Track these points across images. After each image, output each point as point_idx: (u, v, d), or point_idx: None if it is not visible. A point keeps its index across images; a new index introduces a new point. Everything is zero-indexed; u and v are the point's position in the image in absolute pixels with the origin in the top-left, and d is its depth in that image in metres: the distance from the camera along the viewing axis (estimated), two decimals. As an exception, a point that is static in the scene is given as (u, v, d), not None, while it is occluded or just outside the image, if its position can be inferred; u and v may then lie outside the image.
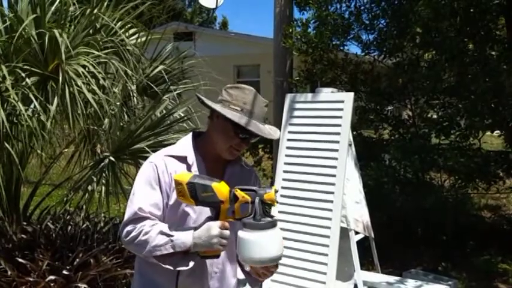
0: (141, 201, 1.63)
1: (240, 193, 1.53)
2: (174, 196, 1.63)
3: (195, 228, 1.55)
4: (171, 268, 1.56)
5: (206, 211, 1.61)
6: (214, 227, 1.51)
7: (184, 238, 1.54)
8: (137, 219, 1.61)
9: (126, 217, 1.63)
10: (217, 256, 1.58)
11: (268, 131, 1.69)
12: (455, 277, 4.62)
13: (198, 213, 1.64)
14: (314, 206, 3.34)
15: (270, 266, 1.55)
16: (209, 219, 1.55)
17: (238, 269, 1.82)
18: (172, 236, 1.55)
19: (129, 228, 1.61)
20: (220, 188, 1.52)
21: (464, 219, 5.66)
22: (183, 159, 1.67)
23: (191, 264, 1.56)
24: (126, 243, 1.63)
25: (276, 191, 1.54)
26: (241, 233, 1.48)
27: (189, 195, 1.53)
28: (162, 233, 1.57)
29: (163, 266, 1.55)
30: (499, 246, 5.28)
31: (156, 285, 1.68)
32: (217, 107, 1.66)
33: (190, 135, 1.77)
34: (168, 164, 1.66)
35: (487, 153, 5.32)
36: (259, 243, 1.45)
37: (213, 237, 1.50)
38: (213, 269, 1.69)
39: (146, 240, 1.56)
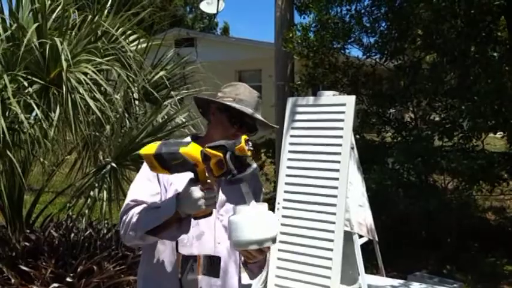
0: (135, 193, 1.64)
1: (210, 152, 1.46)
2: (171, 191, 1.64)
3: (178, 195, 1.51)
4: (169, 240, 1.52)
5: None
6: (195, 190, 1.45)
7: (168, 204, 1.51)
8: (130, 208, 1.60)
9: (120, 211, 1.63)
10: (209, 214, 1.52)
11: (262, 118, 1.72)
12: (460, 280, 4.60)
13: None
14: (317, 210, 3.33)
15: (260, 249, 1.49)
16: (191, 181, 1.50)
17: (244, 274, 1.80)
18: (159, 207, 1.54)
19: (123, 219, 1.60)
20: (190, 151, 1.44)
21: (469, 222, 5.64)
22: None
23: (187, 232, 1.53)
24: (123, 235, 1.60)
25: (246, 140, 1.47)
26: (230, 217, 1.47)
27: (161, 167, 1.47)
28: (150, 208, 1.56)
29: (162, 240, 1.52)
30: (504, 248, 5.25)
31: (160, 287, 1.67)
32: (210, 98, 1.71)
33: (188, 138, 1.79)
34: None
35: (491, 154, 5.30)
36: (240, 226, 1.43)
37: (197, 200, 1.45)
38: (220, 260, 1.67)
39: (137, 221, 1.55)
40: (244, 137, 1.47)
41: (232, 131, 1.68)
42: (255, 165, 1.49)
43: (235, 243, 1.46)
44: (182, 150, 1.43)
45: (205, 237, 1.67)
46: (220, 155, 1.46)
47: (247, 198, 1.50)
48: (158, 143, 1.48)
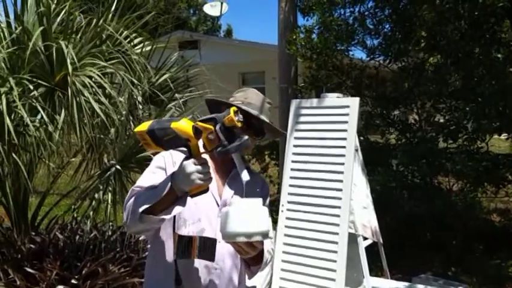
0: (139, 181, 1.67)
1: (200, 125, 1.48)
2: None
3: (173, 172, 1.52)
4: (165, 216, 1.51)
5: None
6: (188, 164, 1.46)
7: (164, 181, 1.52)
8: (134, 194, 1.61)
9: (125, 200, 1.65)
10: (206, 191, 1.52)
11: (268, 120, 1.75)
12: (465, 282, 4.58)
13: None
14: (321, 212, 3.33)
15: (252, 242, 1.49)
16: (186, 157, 1.50)
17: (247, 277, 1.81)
18: (156, 187, 1.55)
19: (127, 205, 1.60)
20: (180, 126, 1.43)
21: (474, 224, 5.62)
22: None
23: (179, 209, 1.52)
24: (126, 221, 1.60)
25: (236, 111, 1.50)
26: (222, 209, 1.49)
27: (154, 144, 1.48)
28: (147, 188, 1.58)
29: (158, 217, 1.51)
30: (509, 250, 5.23)
31: (158, 280, 1.70)
32: (220, 99, 1.76)
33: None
34: (174, 155, 1.68)
35: (495, 156, 5.28)
36: (230, 217, 1.44)
37: (190, 174, 1.45)
38: (213, 265, 1.68)
39: (136, 201, 1.55)
40: (233, 109, 1.51)
41: (238, 131, 1.69)
42: (246, 137, 1.51)
43: (223, 234, 1.47)
44: (173, 124, 1.44)
45: (206, 234, 1.67)
46: (211, 127, 1.49)
47: (240, 169, 1.51)
48: (151, 121, 1.50)
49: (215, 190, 1.71)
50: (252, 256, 1.59)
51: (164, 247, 1.68)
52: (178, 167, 1.49)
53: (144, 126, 1.48)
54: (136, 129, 1.51)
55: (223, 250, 1.68)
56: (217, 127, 1.49)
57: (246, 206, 1.47)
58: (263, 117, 1.74)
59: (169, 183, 1.49)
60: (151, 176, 1.67)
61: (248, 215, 1.45)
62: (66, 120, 3.08)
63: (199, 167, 1.46)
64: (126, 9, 3.64)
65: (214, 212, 1.69)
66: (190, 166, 1.45)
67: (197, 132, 1.46)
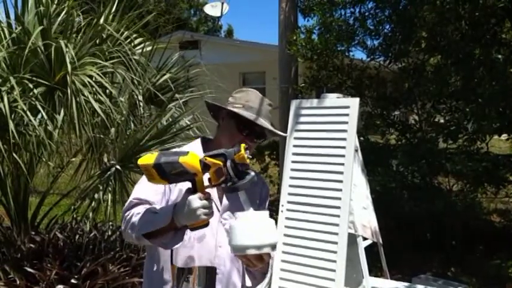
0: (138, 192, 1.66)
1: (210, 160, 1.46)
2: (176, 192, 1.64)
3: (176, 205, 1.50)
4: (162, 248, 1.52)
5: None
6: (194, 199, 1.45)
7: (165, 212, 1.51)
8: (132, 206, 1.61)
9: (124, 207, 1.65)
10: (206, 225, 1.51)
11: (270, 127, 1.74)
12: (465, 282, 4.58)
13: None
14: (321, 212, 3.33)
15: (259, 255, 1.49)
16: (189, 190, 1.49)
17: (247, 278, 1.80)
18: (157, 213, 1.53)
19: (125, 215, 1.61)
20: (189, 161, 1.42)
21: (474, 224, 5.61)
22: None
23: (179, 243, 1.52)
24: (123, 231, 1.61)
25: (246, 148, 1.47)
26: (230, 223, 1.49)
27: (160, 177, 1.46)
28: (148, 211, 1.56)
29: (154, 244, 1.51)
30: (509, 251, 5.23)
31: (159, 281, 1.69)
32: (220, 105, 1.74)
33: (198, 139, 1.79)
34: None
35: (495, 157, 5.28)
36: (239, 231, 1.44)
37: (196, 210, 1.44)
38: (216, 270, 1.67)
39: (135, 222, 1.55)
40: (243, 145, 1.48)
41: (239, 137, 1.68)
42: (253, 173, 1.49)
43: (233, 247, 1.47)
44: (181, 159, 1.42)
45: (207, 239, 1.67)
46: (220, 163, 1.46)
47: (246, 206, 1.50)
48: (156, 153, 1.48)
49: (215, 196, 1.70)
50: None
51: (164, 251, 1.68)
52: (181, 200, 1.47)
53: (149, 159, 1.45)
54: (140, 162, 1.47)
55: (224, 254, 1.68)
56: (228, 164, 1.45)
57: (255, 219, 1.47)
58: (267, 124, 1.72)
59: (170, 217, 1.48)
60: (149, 186, 1.63)
61: (257, 227, 1.45)
62: (66, 119, 3.08)
63: (205, 202, 1.45)
64: (127, 10, 3.64)
65: (214, 217, 1.69)
66: (196, 201, 1.44)
67: (205, 167, 1.45)
